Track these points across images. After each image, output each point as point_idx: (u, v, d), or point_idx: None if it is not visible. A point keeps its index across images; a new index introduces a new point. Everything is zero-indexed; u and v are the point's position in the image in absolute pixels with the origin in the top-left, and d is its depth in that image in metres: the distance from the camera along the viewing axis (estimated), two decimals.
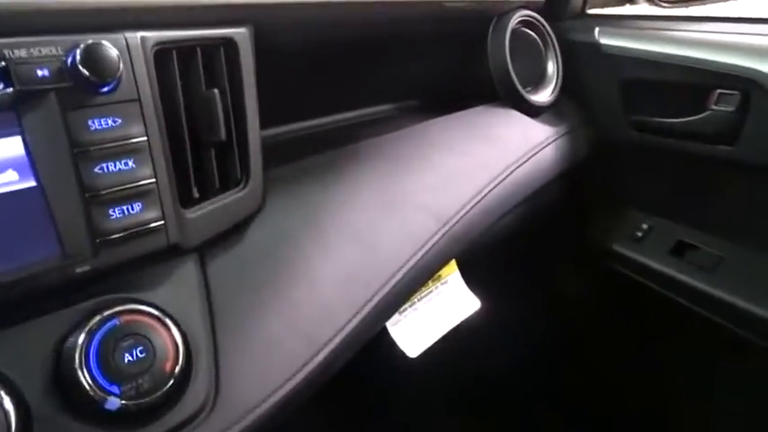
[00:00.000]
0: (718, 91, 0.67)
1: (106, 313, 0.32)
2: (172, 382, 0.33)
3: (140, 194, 0.35)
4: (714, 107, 0.68)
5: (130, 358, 0.32)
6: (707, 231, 0.74)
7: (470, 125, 0.66)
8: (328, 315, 0.43)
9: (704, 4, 0.86)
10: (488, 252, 0.66)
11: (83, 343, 0.31)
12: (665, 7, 0.86)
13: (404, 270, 0.49)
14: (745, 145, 0.66)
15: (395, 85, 0.70)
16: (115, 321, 0.32)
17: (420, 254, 0.51)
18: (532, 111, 0.73)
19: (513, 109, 0.72)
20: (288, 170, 0.49)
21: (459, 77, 0.73)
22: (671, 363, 0.83)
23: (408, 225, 0.52)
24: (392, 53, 0.64)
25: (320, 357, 0.41)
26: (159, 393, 0.32)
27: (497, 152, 0.65)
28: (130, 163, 0.35)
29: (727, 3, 0.83)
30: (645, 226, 0.79)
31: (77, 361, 0.31)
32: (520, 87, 0.71)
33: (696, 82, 0.68)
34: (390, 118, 0.68)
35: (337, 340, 0.42)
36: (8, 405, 0.29)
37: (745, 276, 0.69)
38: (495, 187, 0.61)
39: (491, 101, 0.72)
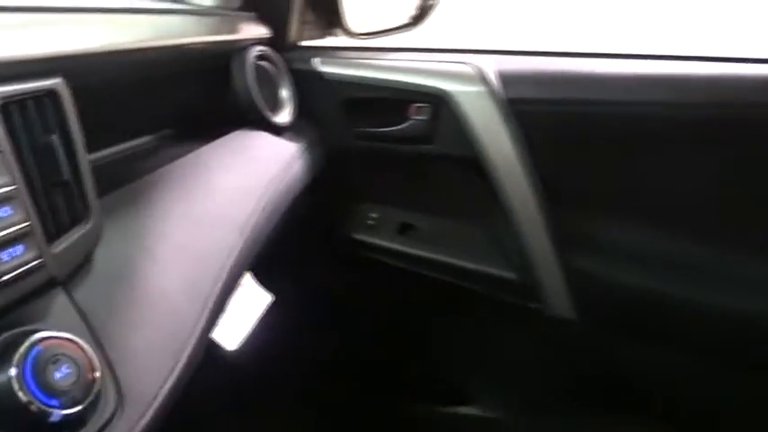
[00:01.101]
0: (416, 105, 0.89)
1: (27, 343, 0.35)
2: (97, 389, 0.37)
3: (21, 237, 0.38)
4: (414, 117, 0.89)
5: (60, 375, 0.35)
6: (421, 211, 0.97)
7: (236, 148, 0.75)
8: (182, 318, 0.49)
9: (389, 35, 1.07)
10: (266, 255, 0.76)
11: (17, 373, 0.34)
12: (360, 38, 1.05)
13: (224, 275, 0.57)
14: (439, 143, 0.89)
15: (162, 115, 0.74)
16: (39, 348, 0.35)
17: (231, 261, 0.59)
18: (277, 131, 0.84)
19: (263, 131, 0.82)
20: (107, 199, 0.53)
21: (215, 106, 0.80)
22: (420, 324, 1.04)
23: (218, 237, 0.59)
24: (156, 89, 0.69)
25: (187, 350, 0.47)
26: (89, 400, 0.36)
27: (263, 168, 0.76)
28: (9, 210, 0.37)
29: (406, 34, 1.06)
30: (375, 215, 0.98)
31: (17, 387, 0.33)
32: (264, 112, 0.82)
33: (399, 98, 0.89)
34: (165, 146, 0.72)
35: (194, 337, 0.49)
36: None
37: (458, 241, 0.93)
38: (270, 197, 0.72)
39: (242, 125, 0.81)
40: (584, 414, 0.91)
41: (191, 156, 0.67)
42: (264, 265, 0.75)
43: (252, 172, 0.72)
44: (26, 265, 0.38)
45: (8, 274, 0.37)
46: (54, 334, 0.37)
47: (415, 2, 1.06)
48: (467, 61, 0.87)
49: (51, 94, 0.44)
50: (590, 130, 0.83)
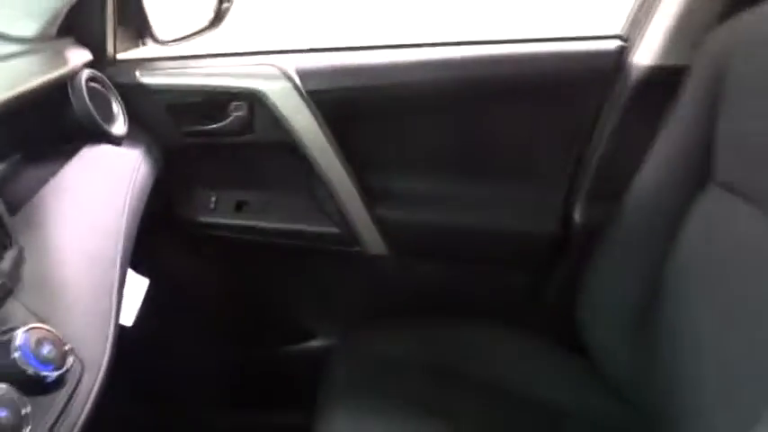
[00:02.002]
0: (234, 103, 1.06)
1: (19, 334, 0.50)
2: (71, 357, 0.53)
3: None
4: (233, 114, 1.07)
5: (46, 351, 0.51)
6: (252, 190, 1.15)
7: (90, 163, 0.88)
8: (102, 305, 0.65)
9: (193, 38, 1.21)
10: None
11: (19, 355, 0.49)
12: (166, 44, 1.18)
13: (117, 270, 0.72)
14: (258, 133, 1.08)
15: (11, 142, 0.84)
16: (26, 336, 0.51)
17: (119, 259, 0.74)
18: (117, 141, 0.97)
19: (105, 143, 0.95)
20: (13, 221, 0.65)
21: (56, 126, 0.91)
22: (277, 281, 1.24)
23: (105, 240, 0.74)
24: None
25: (111, 328, 0.64)
26: (67, 365, 0.53)
27: (117, 176, 0.89)
28: None
29: (209, 36, 1.21)
30: (214, 198, 1.15)
31: (22, 363, 0.49)
32: (104, 127, 0.95)
33: (219, 99, 1.06)
34: (25, 168, 0.82)
35: (113, 318, 0.65)
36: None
37: (286, 209, 1.14)
38: (129, 200, 0.86)
39: (86, 141, 0.93)
40: (412, 326, 1.17)
41: (58, 176, 0.80)
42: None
43: (111, 181, 0.86)
44: None
45: None
46: (31, 325, 0.52)
47: (212, 6, 1.21)
48: (271, 62, 1.06)
49: None
50: (373, 107, 1.08)
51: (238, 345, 1.27)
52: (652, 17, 1.03)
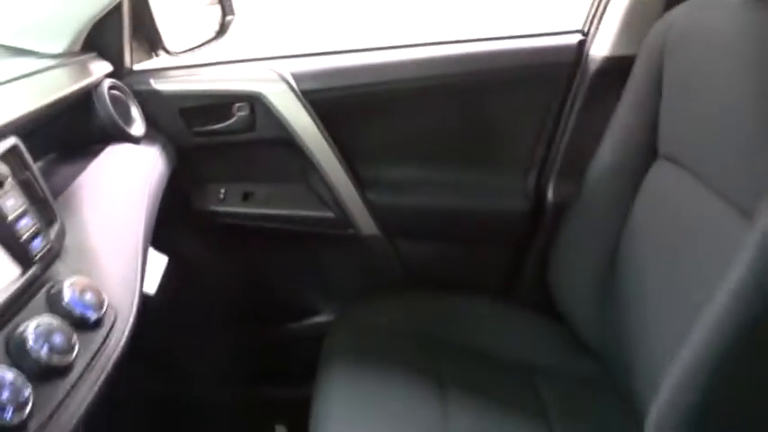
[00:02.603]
0: (237, 104, 1.20)
1: (68, 284, 0.63)
2: (107, 303, 0.66)
3: (38, 232, 0.66)
4: (237, 114, 1.21)
5: (88, 297, 0.64)
6: (256, 182, 1.29)
7: (115, 160, 1.02)
8: (130, 270, 0.78)
9: (200, 49, 1.35)
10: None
11: (67, 302, 0.62)
12: (176, 55, 1.31)
13: (141, 245, 0.86)
14: (259, 130, 1.22)
15: (47, 143, 0.98)
16: (73, 287, 0.64)
17: (142, 237, 0.88)
18: (136, 141, 1.11)
19: (126, 143, 1.09)
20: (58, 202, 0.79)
21: (84, 129, 1.05)
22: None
23: (131, 222, 0.88)
24: (40, 125, 0.93)
25: (137, 288, 0.77)
26: (104, 309, 0.66)
27: (138, 171, 1.03)
28: (28, 219, 0.65)
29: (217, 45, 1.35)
30: (223, 190, 1.29)
31: (72, 308, 0.62)
32: (125, 129, 1.08)
33: (224, 102, 1.19)
34: (61, 165, 0.96)
35: (138, 280, 0.78)
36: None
37: (287, 198, 1.27)
38: (149, 191, 1.00)
39: (109, 142, 1.07)
40: (403, 299, 1.29)
41: (88, 170, 0.93)
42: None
43: (132, 174, 1.00)
44: (47, 247, 0.66)
45: (41, 252, 0.64)
46: (75, 278, 0.65)
47: (217, 19, 1.35)
48: (269, 67, 1.20)
49: (15, 147, 0.70)
50: (361, 103, 1.21)
51: (245, 322, 1.40)
52: (605, 12, 1.15)
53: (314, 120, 1.20)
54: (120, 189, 0.93)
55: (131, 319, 0.70)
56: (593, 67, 1.16)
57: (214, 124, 1.22)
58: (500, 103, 1.24)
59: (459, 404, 0.99)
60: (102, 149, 1.03)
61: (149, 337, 0.86)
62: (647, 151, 1.02)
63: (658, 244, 0.96)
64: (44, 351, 0.55)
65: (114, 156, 1.03)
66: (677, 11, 0.97)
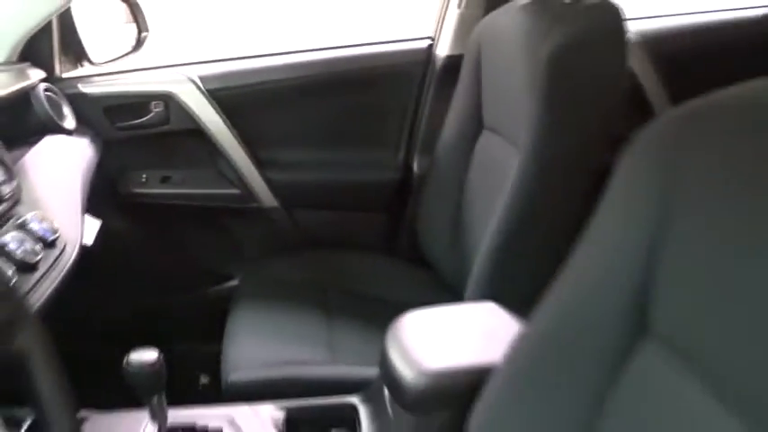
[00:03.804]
0: (154, 102, 1.45)
1: (31, 213, 0.88)
2: (59, 234, 0.91)
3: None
4: (154, 110, 1.46)
5: (47, 224, 0.89)
6: (173, 167, 1.54)
7: (53, 147, 1.25)
8: (75, 222, 1.03)
9: (119, 60, 1.59)
10: None
11: (32, 224, 0.87)
12: (97, 65, 1.55)
13: (80, 208, 1.10)
14: (173, 123, 1.47)
15: None
16: (34, 215, 0.88)
17: (80, 203, 1.12)
18: (69, 133, 1.34)
19: (60, 134, 1.32)
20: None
21: (21, 123, 1.27)
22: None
23: (71, 194, 1.12)
24: None
25: (80, 229, 1.01)
26: (57, 234, 0.90)
27: (73, 157, 1.27)
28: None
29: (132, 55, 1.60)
30: (145, 175, 1.53)
31: (33, 228, 0.87)
32: (59, 123, 1.32)
33: (142, 101, 1.45)
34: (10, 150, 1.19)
35: (80, 228, 1.03)
36: None
37: (198, 179, 1.53)
38: (83, 174, 1.24)
39: (46, 133, 1.29)
40: (300, 258, 1.56)
41: (30, 153, 1.17)
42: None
43: (67, 157, 1.24)
44: (10, 192, 0.90)
45: (7, 195, 0.89)
46: (34, 213, 0.90)
47: (133, 35, 1.60)
48: (179, 71, 1.46)
49: None
50: (256, 98, 1.49)
51: (167, 288, 1.63)
52: (444, 19, 1.48)
53: (219, 113, 1.47)
54: (59, 166, 1.18)
55: (76, 251, 0.95)
56: (439, 63, 1.49)
57: (134, 119, 1.47)
58: (372, 95, 1.55)
59: (343, 327, 1.26)
60: (40, 139, 1.26)
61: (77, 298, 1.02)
62: (475, 124, 1.34)
63: (482, 194, 1.29)
64: (19, 250, 0.80)
65: (52, 143, 1.27)
66: (486, 19, 1.31)
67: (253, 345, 1.17)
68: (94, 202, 1.25)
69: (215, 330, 1.29)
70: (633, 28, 1.55)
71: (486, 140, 1.32)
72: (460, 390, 0.76)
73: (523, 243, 1.00)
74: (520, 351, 0.69)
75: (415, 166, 1.55)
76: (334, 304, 1.34)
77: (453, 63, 1.45)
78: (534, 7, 1.10)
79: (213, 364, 1.23)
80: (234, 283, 1.63)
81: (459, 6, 1.45)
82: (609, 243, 0.61)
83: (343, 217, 1.61)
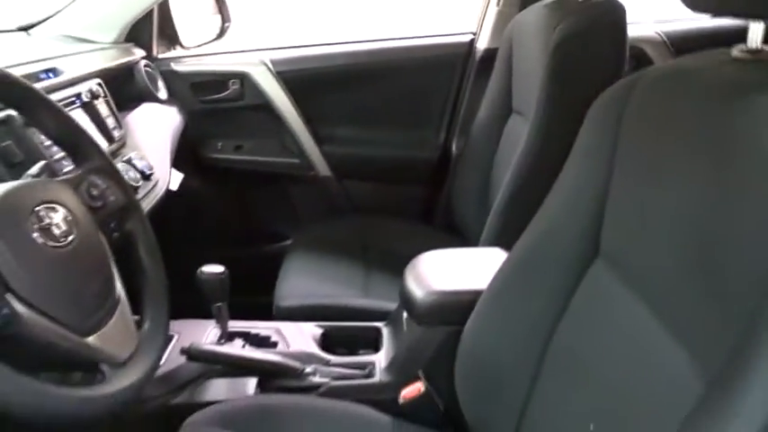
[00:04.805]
0: (231, 80, 1.71)
1: (134, 152, 1.13)
2: (154, 172, 1.17)
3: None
4: (231, 87, 1.72)
5: (147, 162, 1.14)
6: (244, 137, 1.80)
7: (149, 112, 1.52)
8: (166, 168, 1.28)
9: (206, 45, 1.86)
10: None
11: (135, 160, 1.12)
12: (187, 48, 1.83)
13: (168, 164, 1.36)
14: (247, 99, 1.73)
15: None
16: (137, 154, 1.14)
17: (169, 161, 1.38)
18: (162, 102, 1.61)
19: (155, 102, 1.59)
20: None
21: (126, 92, 1.55)
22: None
23: (163, 150, 1.38)
24: None
25: (166, 176, 1.27)
26: (153, 171, 1.16)
27: (165, 119, 1.54)
28: None
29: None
30: (220, 143, 1.79)
31: (135, 164, 1.12)
32: (156, 93, 1.59)
33: (222, 79, 1.71)
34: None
35: (168, 171, 1.29)
36: None
37: (266, 148, 1.78)
38: (172, 134, 1.50)
39: (144, 101, 1.57)
40: (347, 222, 1.78)
41: (131, 115, 1.44)
42: None
43: (159, 121, 1.51)
44: (120, 135, 1.16)
45: (117, 136, 1.15)
46: (136, 152, 1.15)
47: (218, 24, 1.87)
48: (254, 55, 1.72)
49: (100, 84, 1.21)
50: (320, 81, 1.73)
51: (229, 244, 1.87)
52: (484, 16, 1.68)
53: (286, 92, 1.72)
54: (154, 126, 1.44)
55: (165, 187, 1.19)
56: (478, 56, 1.69)
57: (214, 95, 1.73)
58: (419, 82, 1.76)
59: (377, 275, 1.46)
60: (139, 105, 1.54)
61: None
62: (505, 108, 1.53)
63: (507, 168, 1.47)
64: (129, 175, 1.05)
65: (148, 109, 1.54)
66: (517, 16, 1.50)
67: (300, 281, 1.40)
68: (179, 162, 1.51)
69: (269, 286, 1.43)
70: (663, 28, 1.71)
71: (513, 122, 1.50)
72: (461, 307, 0.94)
73: (527, 198, 1.18)
74: (501, 273, 0.89)
75: (454, 146, 1.75)
76: (372, 258, 1.55)
77: (490, 55, 1.63)
78: (553, 5, 1.28)
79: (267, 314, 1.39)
80: (288, 242, 1.86)
81: (497, 4, 1.64)
82: (572, 185, 0.78)
83: (388, 188, 1.83)
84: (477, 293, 0.92)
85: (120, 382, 0.66)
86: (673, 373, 0.54)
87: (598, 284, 0.73)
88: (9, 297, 0.57)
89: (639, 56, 1.65)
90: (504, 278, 0.88)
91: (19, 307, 0.58)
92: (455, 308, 0.96)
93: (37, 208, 0.65)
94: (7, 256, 0.59)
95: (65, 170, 0.89)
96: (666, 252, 0.60)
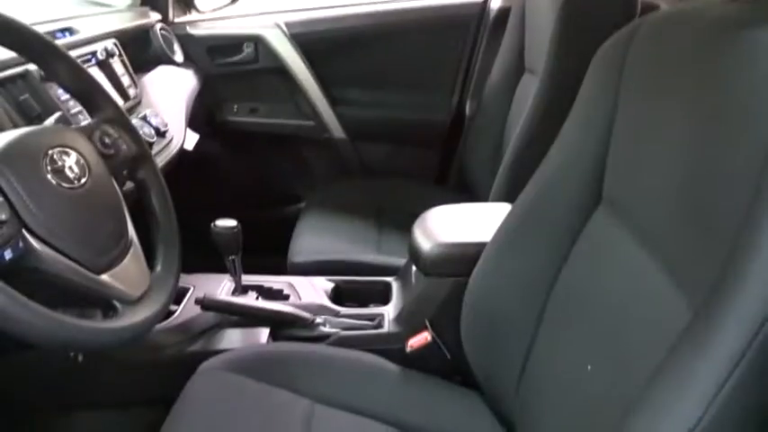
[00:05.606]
0: (246, 43, 1.73)
1: (149, 109, 1.16)
2: (168, 129, 1.19)
3: None
4: (246, 50, 1.74)
5: (161, 118, 1.17)
6: (260, 100, 1.82)
7: (166, 73, 1.54)
8: (180, 127, 1.31)
9: (221, 8, 1.88)
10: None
11: (151, 117, 1.15)
12: (202, 12, 1.84)
13: (184, 125, 1.39)
14: (261, 62, 1.74)
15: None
16: (152, 112, 1.17)
17: (185, 120, 1.40)
18: (178, 65, 1.64)
19: (172, 65, 1.61)
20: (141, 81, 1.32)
21: (146, 55, 1.58)
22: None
23: (178, 109, 1.41)
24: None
25: (183, 132, 1.30)
26: (167, 128, 1.19)
27: (181, 81, 1.56)
28: None
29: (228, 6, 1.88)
30: (236, 106, 1.82)
31: (150, 121, 1.15)
32: (172, 56, 1.61)
33: (237, 42, 1.72)
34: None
35: (182, 133, 1.31)
36: None
37: (281, 111, 1.80)
38: (188, 95, 1.53)
39: (161, 64, 1.59)
40: (360, 183, 1.80)
41: (148, 75, 1.46)
42: None
43: (176, 83, 1.53)
44: (136, 93, 1.19)
45: (133, 94, 1.17)
46: (151, 110, 1.18)
47: None
48: (268, 18, 1.73)
49: (116, 44, 1.24)
50: (332, 44, 1.74)
51: (244, 204, 1.89)
52: None
53: (300, 55, 1.73)
54: (169, 87, 1.47)
55: (180, 145, 1.22)
56: (491, 15, 1.68)
57: (230, 57, 1.75)
58: (432, 44, 1.76)
59: (389, 233, 1.48)
60: (156, 67, 1.56)
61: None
62: (518, 67, 1.52)
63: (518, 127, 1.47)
64: (143, 131, 1.08)
65: (164, 71, 1.57)
66: None
67: (314, 238, 1.42)
68: (195, 125, 1.53)
69: (283, 247, 1.43)
70: None
71: (525, 80, 1.49)
72: (467, 258, 0.96)
73: (535, 154, 1.19)
74: (506, 223, 0.90)
75: (467, 108, 1.75)
76: (385, 218, 1.56)
77: (503, 15, 1.62)
78: None
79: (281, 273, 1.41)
80: (302, 205, 1.89)
81: None
82: (575, 135, 0.80)
83: (401, 150, 1.84)
84: (482, 245, 0.93)
85: (131, 318, 0.69)
86: (670, 314, 0.55)
87: (600, 231, 0.74)
88: (24, 232, 0.60)
89: (652, 9, 1.62)
90: (508, 228, 0.90)
91: (33, 242, 0.61)
92: (461, 259, 0.98)
93: (50, 151, 0.67)
94: (22, 195, 0.62)
95: (81, 123, 0.92)
96: (665, 195, 0.60)
